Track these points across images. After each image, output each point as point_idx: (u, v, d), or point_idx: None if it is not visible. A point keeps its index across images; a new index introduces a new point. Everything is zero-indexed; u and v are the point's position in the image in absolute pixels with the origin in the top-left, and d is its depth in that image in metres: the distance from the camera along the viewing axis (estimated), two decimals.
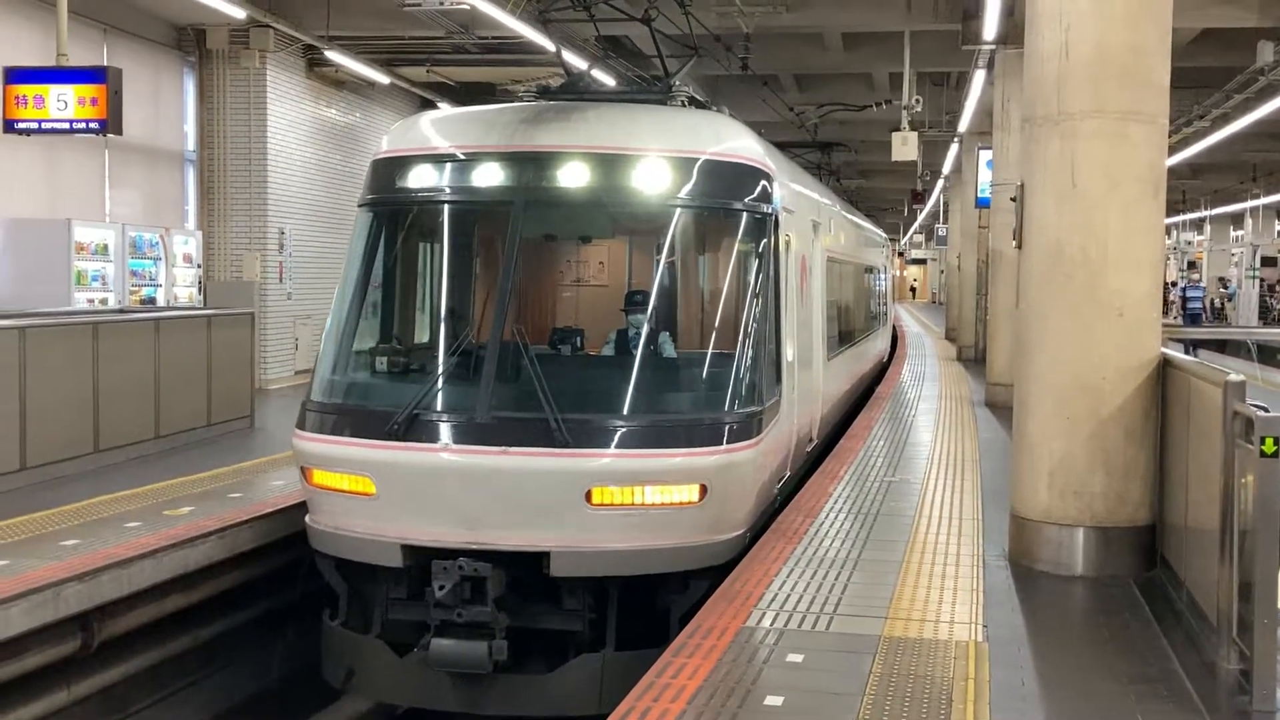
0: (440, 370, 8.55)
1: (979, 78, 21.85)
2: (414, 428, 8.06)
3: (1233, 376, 6.42)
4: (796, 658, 6.27)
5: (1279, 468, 5.72)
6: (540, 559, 7.83)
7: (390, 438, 8.02)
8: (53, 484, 10.76)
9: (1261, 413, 5.86)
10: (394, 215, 9.55)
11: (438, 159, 9.05)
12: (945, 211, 46.02)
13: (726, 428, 8.29)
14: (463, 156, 8.96)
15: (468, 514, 7.89)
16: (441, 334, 9.09)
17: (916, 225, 66.51)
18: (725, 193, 9.07)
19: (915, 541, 8.94)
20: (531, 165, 8.75)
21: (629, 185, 8.70)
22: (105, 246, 17.85)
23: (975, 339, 27.01)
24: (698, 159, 8.89)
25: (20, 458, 10.71)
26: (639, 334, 8.93)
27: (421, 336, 9.90)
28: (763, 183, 9.27)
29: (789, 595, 7.40)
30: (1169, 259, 57.55)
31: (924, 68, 23.97)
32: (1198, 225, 61.56)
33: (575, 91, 10.69)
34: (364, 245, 9.34)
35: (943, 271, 61.70)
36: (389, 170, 9.23)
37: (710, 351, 8.97)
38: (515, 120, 9.11)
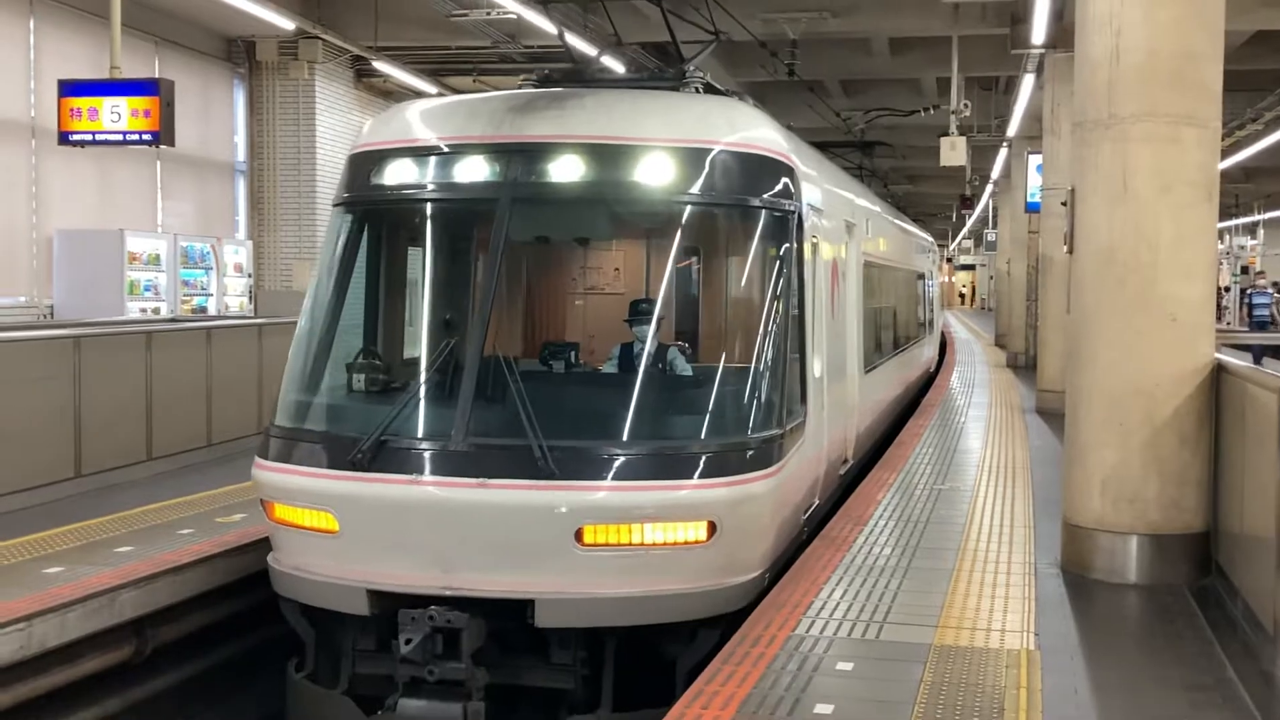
0: (411, 391, 7.60)
1: (1028, 82, 21.75)
2: (380, 456, 7.12)
3: None
4: (846, 666, 6.25)
5: None
6: (524, 607, 6.88)
7: (354, 468, 7.10)
8: (107, 491, 10.89)
9: None
10: (365, 216, 8.56)
11: (416, 152, 8.08)
12: (994, 217, 45.82)
13: (740, 455, 7.31)
14: (444, 149, 8.00)
15: (441, 555, 6.97)
16: (415, 350, 8.24)
17: (965, 231, 66.17)
18: (740, 188, 8.07)
19: (966, 549, 8.89)
20: (519, 158, 7.79)
21: (630, 180, 7.77)
22: (157, 257, 18.12)
23: (1025, 345, 26.84)
24: (709, 150, 7.93)
25: (75, 465, 10.86)
26: (644, 348, 7.99)
27: (393, 353, 8.95)
28: (784, 178, 8.33)
29: (838, 603, 7.37)
30: (1222, 264, 56.90)
31: (972, 72, 23.87)
32: (1251, 229, 60.95)
33: (580, 79, 9.86)
34: (333, 250, 8.43)
35: (992, 277, 61.32)
36: (364, 165, 8.27)
37: (722, 368, 7.90)
38: (504, 108, 8.11)
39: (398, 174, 8.09)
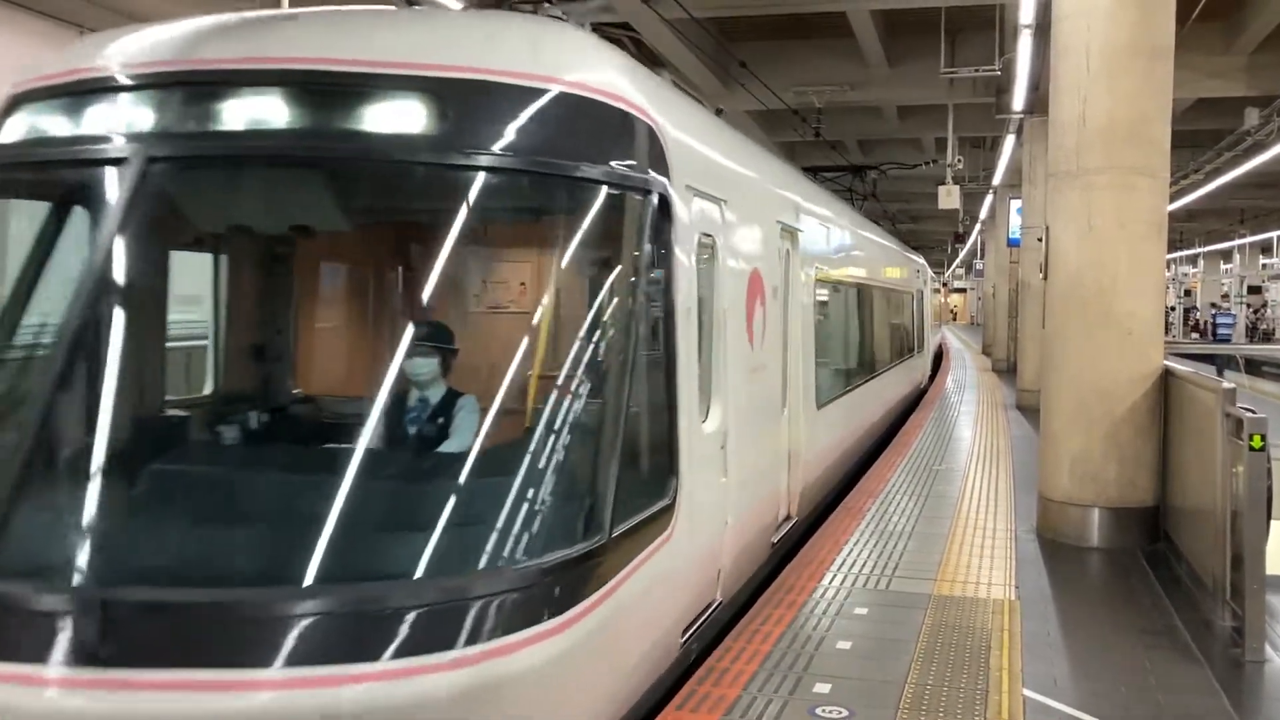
0: None
1: (1010, 141, 21.63)
2: None
3: (1226, 384, 6.27)
4: (862, 611, 6.21)
5: (1264, 459, 5.60)
6: None
7: None
8: None
9: (1249, 414, 5.74)
10: None
11: (65, 93, 4.29)
12: (982, 249, 45.30)
13: (505, 603, 3.67)
14: (83, 88, 4.26)
15: None
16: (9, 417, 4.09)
17: (958, 261, 65.57)
18: (550, 147, 4.21)
19: (959, 518, 8.80)
20: (174, 96, 4.09)
21: (360, 129, 4.04)
22: None
23: (1007, 353, 26.55)
24: (501, 85, 4.20)
25: None
26: (410, 404, 4.73)
27: None
28: (636, 139, 4.60)
29: (855, 561, 7.33)
30: (1169, 288, 56.16)
31: (964, 133, 23.72)
32: (1193, 260, 60.09)
33: None
34: None
35: (980, 299, 60.75)
36: (6, 113, 4.47)
37: (504, 442, 4.12)
38: (197, 32, 4.37)
39: (38, 122, 4.32)
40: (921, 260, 25.28)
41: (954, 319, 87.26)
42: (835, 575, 6.94)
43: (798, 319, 8.18)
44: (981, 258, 45.62)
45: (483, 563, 3.74)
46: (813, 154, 25.70)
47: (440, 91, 4.08)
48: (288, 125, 4.06)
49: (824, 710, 4.71)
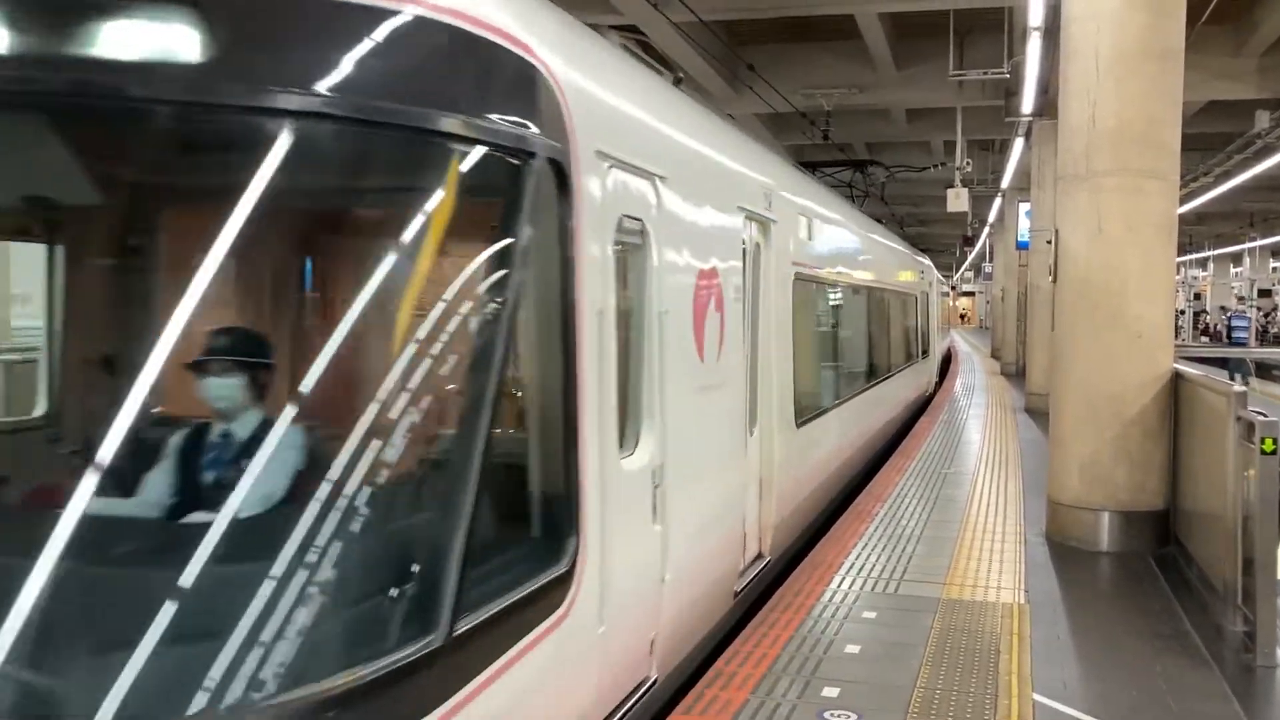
0: None
1: (1019, 144, 21.57)
2: None
3: (1237, 387, 6.24)
4: (870, 614, 6.19)
5: (1276, 464, 5.57)
6: None
7: None
8: None
9: (1261, 418, 5.71)
10: None
11: None
12: (990, 253, 45.22)
13: None
14: None
15: None
16: None
17: (967, 264, 65.45)
18: (373, 85, 3.02)
19: (968, 521, 8.77)
20: None
21: (113, 56, 2.84)
22: None
23: (1016, 357, 26.48)
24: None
25: None
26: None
27: None
28: (511, 83, 3.50)
29: (864, 564, 7.31)
30: (1178, 291, 56.02)
31: (973, 136, 23.69)
32: (1202, 264, 59.93)
33: None
34: None
35: (988, 302, 60.60)
36: None
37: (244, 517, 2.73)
38: None
39: None
40: (928, 261, 23.75)
41: (963, 322, 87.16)
42: (844, 578, 6.92)
43: (772, 324, 7.04)
44: (990, 261, 45.58)
45: (218, 700, 2.40)
46: (820, 157, 25.67)
47: (212, 3, 2.91)
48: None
49: (833, 714, 4.70)
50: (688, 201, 5.29)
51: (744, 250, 6.37)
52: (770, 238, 7.08)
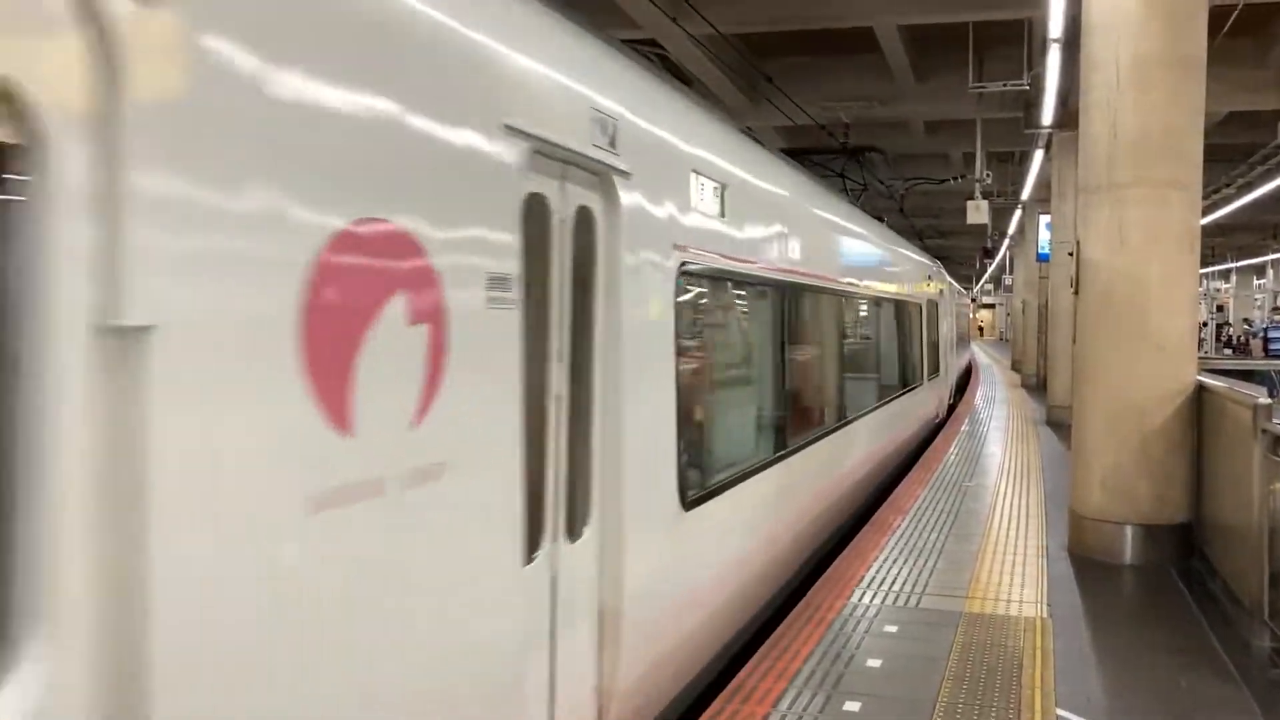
0: None
1: (1038, 156, 21.50)
2: None
3: (1262, 400, 6.18)
4: (892, 628, 6.16)
5: None
6: None
7: None
8: None
9: None
10: None
11: None
12: (1011, 265, 45.10)
13: None
14: None
15: None
16: None
17: (986, 276, 65.24)
18: None
19: (989, 535, 8.72)
20: None
21: None
22: None
23: (1037, 369, 26.37)
24: None
25: None
26: None
27: None
28: None
29: (884, 578, 7.28)
30: (1200, 303, 55.68)
31: (993, 148, 23.64)
32: (1225, 275, 59.52)
33: None
34: None
35: (1009, 314, 60.41)
36: None
37: None
38: None
39: None
40: (936, 265, 19.46)
41: (980, 335, 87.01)
42: (864, 592, 6.88)
43: (624, 346, 4.41)
44: (1010, 273, 45.44)
45: None
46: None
47: None
48: None
49: None
50: (282, 86, 2.43)
51: (522, 216, 3.53)
52: (616, 199, 4.39)
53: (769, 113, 18.91)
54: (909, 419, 14.01)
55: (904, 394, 13.56)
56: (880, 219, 15.33)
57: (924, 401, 15.51)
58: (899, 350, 13.35)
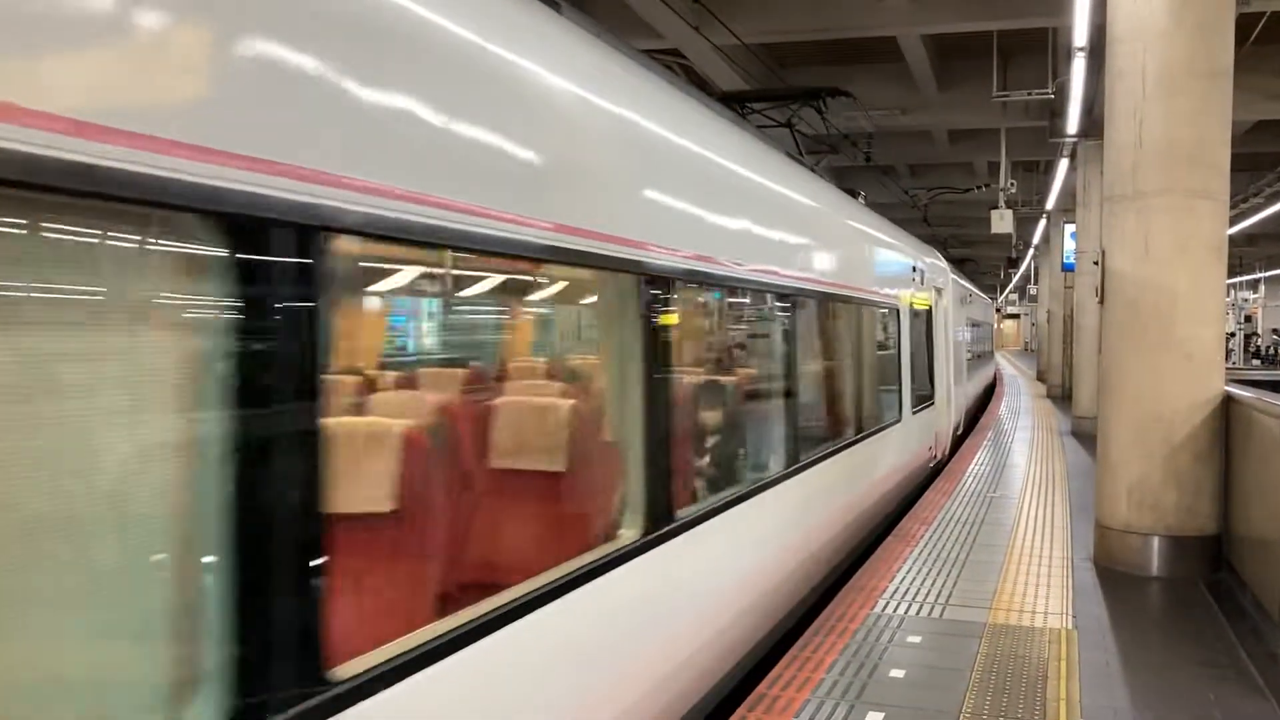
0: None
1: (1063, 165, 21.39)
2: None
3: None
4: (915, 639, 6.12)
5: None
6: None
7: None
8: None
9: None
10: None
11: None
12: (1035, 275, 44.86)
13: None
14: None
15: None
16: None
17: (1011, 286, 64.93)
18: None
19: (1014, 546, 8.66)
20: None
21: None
22: None
23: (1062, 379, 26.21)
24: None
25: None
26: None
27: None
28: None
29: (908, 588, 7.24)
30: (1228, 313, 55.25)
31: (1017, 157, 23.54)
32: (1253, 285, 59.11)
33: None
34: None
35: (1034, 324, 60.11)
36: None
37: None
38: None
39: None
40: (932, 258, 14.35)
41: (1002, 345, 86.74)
42: (888, 602, 6.85)
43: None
44: (1035, 283, 45.20)
45: None
46: (863, 179, 25.62)
47: None
48: None
49: None
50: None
51: None
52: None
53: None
54: (906, 452, 11.21)
55: (905, 420, 11.11)
56: (855, 193, 11.56)
57: (903, 444, 11.12)
58: (856, 373, 9.12)
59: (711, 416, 5.76)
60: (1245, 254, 47.43)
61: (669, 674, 4.75)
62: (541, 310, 4.62)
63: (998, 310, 74.54)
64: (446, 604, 3.38)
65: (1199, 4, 7.62)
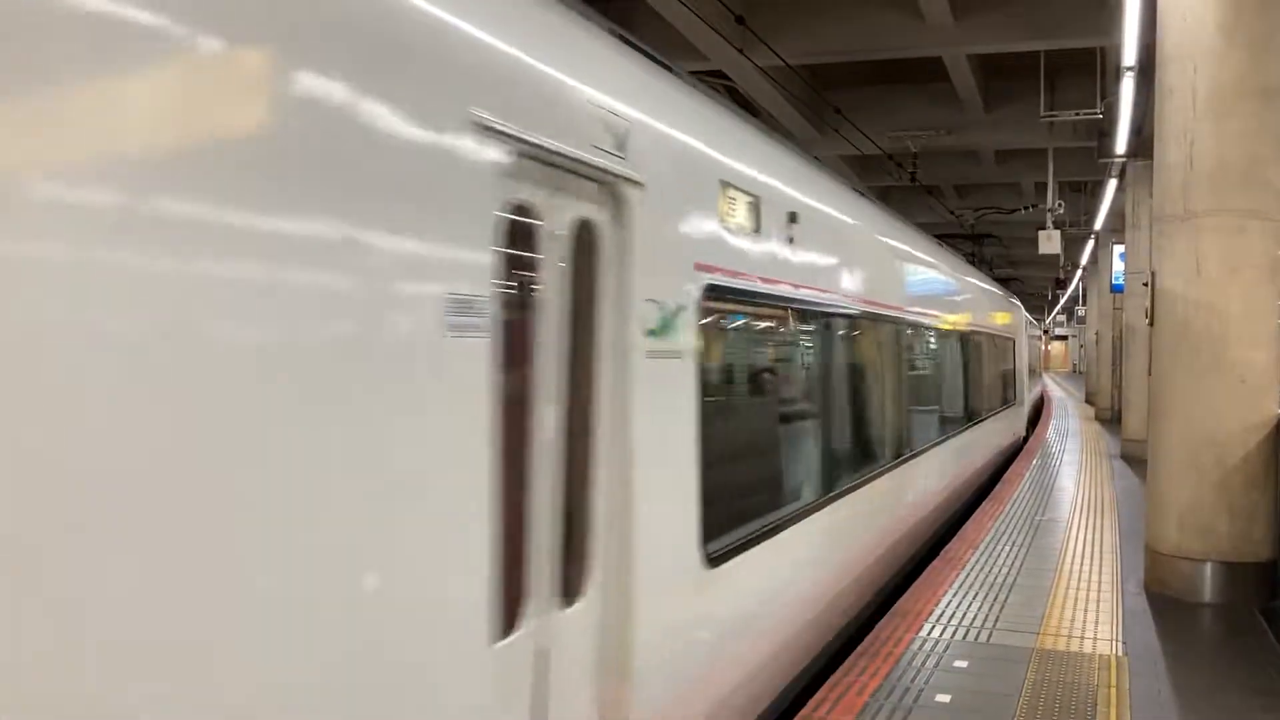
0: None
1: (1111, 185, 21.20)
2: None
3: None
4: (962, 664, 6.07)
5: None
6: None
7: None
8: None
9: None
10: None
11: None
12: (1083, 296, 44.42)
13: None
14: None
15: None
16: None
17: (1059, 308, 64.28)
18: None
19: (1062, 570, 8.57)
20: None
21: None
22: None
23: (1111, 402, 25.88)
24: None
25: None
26: None
27: None
28: None
29: (954, 613, 7.18)
30: None
31: (1064, 177, 23.37)
32: None
33: None
34: None
35: (1081, 346, 59.43)
36: None
37: None
38: None
39: None
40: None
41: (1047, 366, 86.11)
42: (934, 627, 6.80)
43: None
44: (1083, 304, 44.73)
45: None
46: (908, 199, 25.53)
47: None
48: None
49: None
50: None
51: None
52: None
53: (836, 143, 18.90)
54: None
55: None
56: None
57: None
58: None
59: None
60: None
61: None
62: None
63: (1045, 332, 73.83)
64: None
65: (1250, 22, 7.56)
